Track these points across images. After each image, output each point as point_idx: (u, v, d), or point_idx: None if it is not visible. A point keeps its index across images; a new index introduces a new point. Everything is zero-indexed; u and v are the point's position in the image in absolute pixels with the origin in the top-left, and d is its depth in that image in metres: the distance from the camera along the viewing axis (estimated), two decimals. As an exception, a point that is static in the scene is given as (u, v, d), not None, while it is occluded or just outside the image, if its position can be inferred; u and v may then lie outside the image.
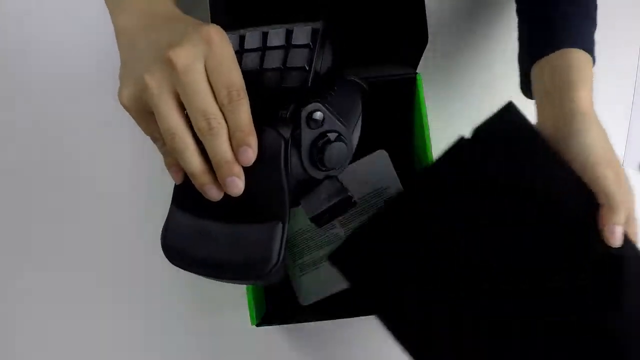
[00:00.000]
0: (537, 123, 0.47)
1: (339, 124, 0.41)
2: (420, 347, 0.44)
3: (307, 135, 0.40)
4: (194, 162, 0.37)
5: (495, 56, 0.69)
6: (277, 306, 0.65)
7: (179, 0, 0.47)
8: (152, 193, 0.69)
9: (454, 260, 0.43)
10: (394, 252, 0.44)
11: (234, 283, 0.42)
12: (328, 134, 0.41)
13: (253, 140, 0.37)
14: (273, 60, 0.42)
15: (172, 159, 0.39)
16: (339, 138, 0.41)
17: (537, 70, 0.49)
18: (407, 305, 0.44)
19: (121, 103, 0.39)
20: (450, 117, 0.68)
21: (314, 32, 0.42)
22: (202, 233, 0.39)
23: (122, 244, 0.69)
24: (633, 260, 0.41)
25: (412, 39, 0.57)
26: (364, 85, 0.48)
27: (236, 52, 0.40)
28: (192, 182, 0.38)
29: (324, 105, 0.40)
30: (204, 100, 0.36)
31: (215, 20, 0.57)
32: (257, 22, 0.61)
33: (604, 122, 0.68)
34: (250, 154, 0.36)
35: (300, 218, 0.60)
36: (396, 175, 0.59)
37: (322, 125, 0.40)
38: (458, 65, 0.68)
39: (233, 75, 0.37)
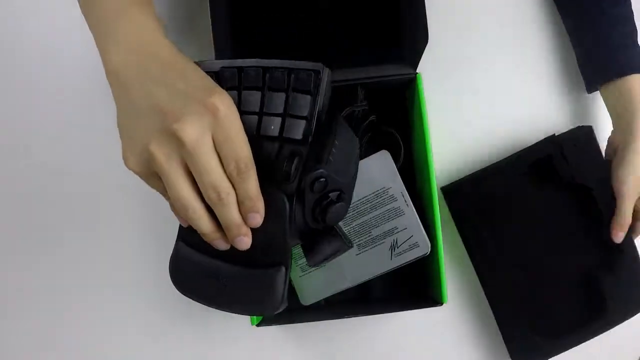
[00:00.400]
0: (610, 137, 0.64)
1: (341, 181, 0.44)
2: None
3: (310, 198, 0.42)
4: (204, 225, 0.39)
5: (495, 56, 0.69)
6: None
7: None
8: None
9: (527, 221, 0.66)
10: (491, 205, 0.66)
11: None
12: (330, 195, 0.43)
13: (261, 206, 0.39)
14: (274, 105, 0.42)
15: (200, 221, 0.40)
16: (339, 197, 0.44)
17: (606, 92, 0.62)
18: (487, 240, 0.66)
19: (127, 167, 0.39)
20: (450, 116, 0.68)
21: (316, 75, 0.42)
22: (211, 271, 0.43)
23: (122, 244, 0.69)
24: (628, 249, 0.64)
25: (413, 38, 0.57)
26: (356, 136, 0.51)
27: (234, 87, 0.42)
28: (202, 237, 0.41)
29: (326, 170, 0.42)
30: (214, 176, 0.37)
31: (216, 28, 0.57)
32: (259, 28, 0.61)
33: (606, 122, 0.68)
34: (258, 219, 0.39)
35: None
36: (398, 174, 0.59)
37: (325, 187, 0.42)
38: (458, 65, 0.68)
39: (241, 148, 0.38)
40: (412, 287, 0.66)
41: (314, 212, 0.43)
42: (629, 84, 0.59)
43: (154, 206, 0.68)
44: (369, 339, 0.68)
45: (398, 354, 0.68)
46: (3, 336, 0.69)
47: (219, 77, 0.42)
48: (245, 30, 0.60)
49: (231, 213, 0.38)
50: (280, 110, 0.42)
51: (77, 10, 0.45)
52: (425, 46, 0.57)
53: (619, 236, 0.61)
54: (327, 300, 0.63)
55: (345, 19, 0.63)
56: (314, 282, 0.62)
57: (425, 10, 0.56)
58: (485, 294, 0.66)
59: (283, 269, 0.42)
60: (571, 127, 0.67)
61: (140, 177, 0.40)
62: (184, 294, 0.45)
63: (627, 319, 0.63)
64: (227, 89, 0.41)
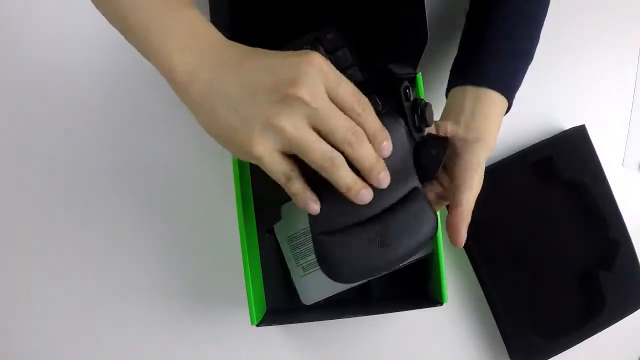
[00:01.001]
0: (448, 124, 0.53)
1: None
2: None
3: (408, 106, 0.44)
4: (349, 175, 0.40)
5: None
6: (277, 306, 0.65)
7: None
8: (152, 190, 0.69)
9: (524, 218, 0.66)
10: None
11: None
12: (417, 100, 0.45)
13: (387, 135, 0.41)
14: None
15: (306, 195, 0.41)
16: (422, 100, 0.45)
17: (456, 92, 0.54)
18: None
19: (256, 154, 0.39)
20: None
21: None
22: (364, 241, 0.42)
23: (121, 243, 0.69)
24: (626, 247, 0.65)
25: (413, 38, 0.57)
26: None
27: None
28: (347, 194, 0.40)
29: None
30: (342, 119, 0.39)
31: (215, 18, 0.57)
32: (259, 28, 0.61)
33: (604, 122, 0.68)
34: (389, 147, 0.41)
35: (303, 218, 0.60)
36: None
37: (411, 95, 0.45)
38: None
39: (353, 90, 0.40)
40: (412, 287, 0.66)
41: (413, 120, 0.44)
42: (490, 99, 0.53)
43: (155, 206, 0.69)
44: (369, 339, 0.68)
45: (398, 354, 0.68)
46: (3, 336, 0.69)
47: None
48: (244, 30, 0.60)
49: (369, 150, 0.40)
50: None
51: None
52: (425, 46, 0.57)
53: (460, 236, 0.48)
54: (327, 300, 0.63)
55: (345, 19, 0.63)
56: (315, 281, 0.62)
57: (425, 10, 0.56)
58: (485, 294, 0.66)
59: (419, 189, 0.43)
60: (565, 127, 0.67)
61: (268, 161, 0.39)
62: (355, 281, 0.46)
63: (626, 317, 0.64)
64: None
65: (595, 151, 0.65)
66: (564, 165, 0.65)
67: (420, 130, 0.45)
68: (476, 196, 0.48)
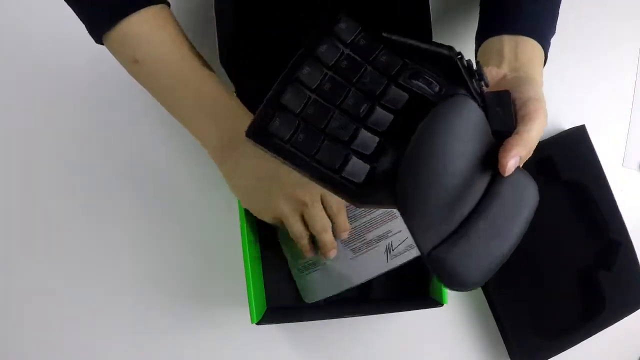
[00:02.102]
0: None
1: None
2: None
3: (466, 74, 0.41)
4: (307, 247, 0.58)
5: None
6: (277, 304, 0.65)
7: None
8: (154, 189, 0.69)
9: None
10: None
11: None
12: (470, 63, 0.41)
13: (347, 228, 0.58)
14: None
15: (306, 247, 0.58)
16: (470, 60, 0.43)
17: (491, 43, 0.53)
18: None
19: (262, 219, 0.57)
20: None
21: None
22: (478, 241, 0.39)
23: (121, 242, 0.69)
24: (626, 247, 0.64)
25: (416, 37, 0.57)
26: None
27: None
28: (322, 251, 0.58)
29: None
30: (323, 222, 0.56)
31: (221, 23, 0.57)
32: (260, 23, 0.61)
33: (604, 122, 0.68)
34: (345, 236, 0.59)
35: None
36: None
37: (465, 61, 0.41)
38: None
39: (339, 206, 0.57)
40: (412, 287, 0.66)
41: (474, 86, 0.41)
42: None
43: (156, 205, 0.69)
44: (369, 339, 0.68)
45: (398, 354, 0.68)
46: (3, 336, 0.69)
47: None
48: (246, 30, 0.60)
49: (330, 238, 0.57)
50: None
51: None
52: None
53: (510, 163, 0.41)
54: (327, 300, 0.63)
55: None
56: (319, 280, 0.62)
57: (429, 11, 0.56)
58: (485, 294, 0.66)
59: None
60: (565, 127, 0.67)
61: (270, 222, 0.57)
62: (480, 285, 0.40)
63: (626, 317, 0.64)
64: None
65: (595, 151, 0.65)
66: (564, 165, 0.65)
67: (481, 94, 0.42)
68: (540, 133, 0.43)
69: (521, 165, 0.42)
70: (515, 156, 0.40)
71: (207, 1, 0.58)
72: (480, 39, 0.54)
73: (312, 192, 0.53)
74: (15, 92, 0.70)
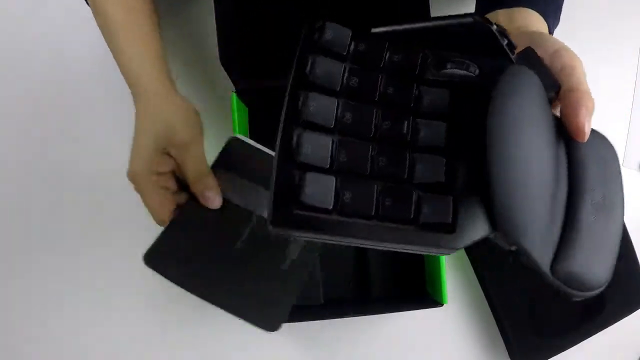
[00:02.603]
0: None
1: None
2: None
3: (506, 45, 0.35)
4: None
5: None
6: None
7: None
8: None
9: None
10: None
11: None
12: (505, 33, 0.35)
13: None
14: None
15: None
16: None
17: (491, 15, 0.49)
18: None
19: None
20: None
21: None
22: (590, 228, 0.33)
23: (123, 242, 0.68)
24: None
25: (415, 20, 0.57)
26: None
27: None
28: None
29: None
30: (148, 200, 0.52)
31: (221, 29, 0.57)
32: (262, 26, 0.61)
33: (604, 122, 0.68)
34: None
35: None
36: None
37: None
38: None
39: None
40: (412, 288, 0.66)
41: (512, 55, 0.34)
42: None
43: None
44: (369, 339, 0.68)
45: (398, 354, 0.68)
46: (4, 337, 0.69)
47: None
48: (245, 8, 0.60)
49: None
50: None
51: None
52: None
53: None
54: (327, 300, 0.63)
55: (349, 19, 0.63)
56: None
57: (429, 10, 0.56)
58: (485, 294, 0.66)
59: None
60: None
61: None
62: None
63: (625, 317, 0.64)
64: None
65: None
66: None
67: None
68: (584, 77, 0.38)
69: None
70: (587, 115, 0.34)
71: (208, 1, 0.58)
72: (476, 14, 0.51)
73: (132, 180, 0.50)
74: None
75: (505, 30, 0.34)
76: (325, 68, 0.32)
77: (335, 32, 0.34)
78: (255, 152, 0.52)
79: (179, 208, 0.51)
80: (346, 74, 0.33)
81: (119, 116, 0.68)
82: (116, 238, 0.68)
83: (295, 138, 0.30)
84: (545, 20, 0.48)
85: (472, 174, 0.30)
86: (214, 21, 0.58)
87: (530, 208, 0.30)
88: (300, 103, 0.31)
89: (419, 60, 0.33)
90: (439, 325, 0.68)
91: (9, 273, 0.69)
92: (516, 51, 0.35)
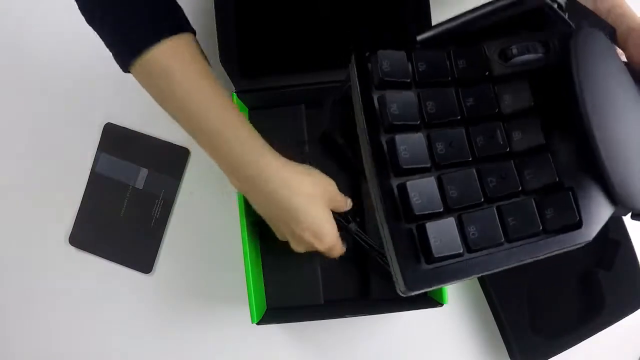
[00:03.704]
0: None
1: None
2: None
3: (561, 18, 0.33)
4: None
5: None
6: (277, 304, 0.65)
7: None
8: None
9: None
10: None
11: None
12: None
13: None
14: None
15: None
16: None
17: None
18: None
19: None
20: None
21: None
22: None
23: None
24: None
25: (416, 36, 0.57)
26: None
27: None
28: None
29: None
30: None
31: (221, 29, 0.57)
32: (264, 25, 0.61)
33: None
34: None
35: None
36: None
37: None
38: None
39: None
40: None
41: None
42: None
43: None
44: (369, 339, 0.68)
45: (398, 354, 0.68)
46: (4, 337, 0.69)
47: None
48: (249, 29, 0.60)
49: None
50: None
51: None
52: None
53: None
54: (326, 299, 0.63)
55: (349, 19, 0.63)
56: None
57: (429, 10, 0.56)
58: (485, 294, 0.66)
59: None
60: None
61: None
62: None
63: (626, 316, 0.64)
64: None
65: None
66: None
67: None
68: None
69: None
70: None
71: (208, 1, 0.58)
72: None
73: (326, 243, 0.54)
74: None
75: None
76: (399, 104, 0.29)
77: (392, 60, 0.31)
78: (127, 134, 0.65)
79: None
80: (422, 102, 0.30)
81: (127, 111, 0.69)
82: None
83: (397, 192, 0.28)
84: None
85: (580, 161, 0.29)
86: (214, 21, 0.58)
87: (638, 172, 0.28)
88: (388, 152, 0.28)
89: (484, 57, 0.31)
90: (439, 325, 0.68)
91: (6, 272, 0.69)
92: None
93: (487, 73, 0.31)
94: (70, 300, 0.68)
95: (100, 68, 0.68)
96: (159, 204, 0.68)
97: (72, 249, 0.69)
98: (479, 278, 0.66)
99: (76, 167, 0.69)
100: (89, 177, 0.68)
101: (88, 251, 0.68)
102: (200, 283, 0.68)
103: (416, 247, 0.27)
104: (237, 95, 0.59)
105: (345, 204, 0.59)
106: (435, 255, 0.27)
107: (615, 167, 0.27)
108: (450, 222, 0.28)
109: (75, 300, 0.68)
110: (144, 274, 0.68)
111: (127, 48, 0.47)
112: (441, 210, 0.28)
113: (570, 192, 0.29)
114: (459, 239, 0.28)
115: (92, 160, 0.68)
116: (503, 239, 0.28)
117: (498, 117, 0.30)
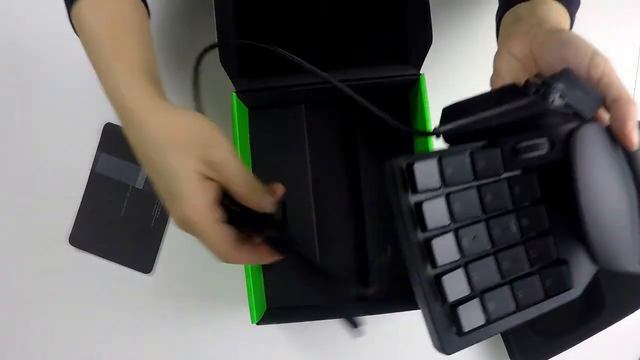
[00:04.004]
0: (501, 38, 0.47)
1: None
2: None
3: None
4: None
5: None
6: (277, 304, 0.65)
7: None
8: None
9: None
10: None
11: None
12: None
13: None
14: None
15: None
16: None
17: (509, 15, 0.48)
18: None
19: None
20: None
21: None
22: None
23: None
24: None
25: (416, 39, 0.57)
26: None
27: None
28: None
29: None
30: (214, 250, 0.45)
31: (221, 29, 0.57)
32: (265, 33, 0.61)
33: (604, 122, 0.68)
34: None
35: None
36: None
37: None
38: (462, 66, 0.68)
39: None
40: (413, 287, 0.66)
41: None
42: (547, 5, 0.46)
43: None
44: (369, 339, 0.68)
45: (398, 354, 0.68)
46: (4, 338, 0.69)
47: None
48: (249, 29, 0.60)
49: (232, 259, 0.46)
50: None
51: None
52: (429, 47, 0.57)
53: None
54: (326, 300, 0.63)
55: (349, 19, 0.63)
56: None
57: (429, 10, 0.56)
58: (485, 294, 0.67)
59: None
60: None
61: None
62: None
63: (626, 316, 0.64)
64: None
65: None
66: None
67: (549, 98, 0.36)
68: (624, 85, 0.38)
69: None
70: (633, 125, 0.36)
71: (208, 1, 0.58)
72: (497, 20, 0.50)
73: (182, 213, 0.42)
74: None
75: (550, 81, 0.36)
76: (434, 208, 0.36)
77: (426, 171, 0.36)
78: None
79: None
80: (451, 202, 0.36)
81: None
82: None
83: (435, 281, 0.36)
84: (567, 8, 0.47)
85: (572, 236, 0.38)
86: (214, 21, 0.58)
87: (618, 240, 0.36)
88: (427, 250, 0.36)
89: (500, 157, 0.37)
90: (439, 325, 0.68)
91: (5, 271, 0.69)
92: (524, 64, 0.42)
93: (502, 172, 0.37)
94: (70, 300, 0.68)
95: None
96: (159, 204, 0.68)
97: (72, 249, 0.69)
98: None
99: (76, 167, 0.69)
100: (89, 177, 0.68)
101: (88, 251, 0.68)
102: (200, 283, 0.68)
103: (451, 325, 0.37)
104: (237, 95, 0.59)
105: (239, 174, 0.43)
106: (465, 330, 0.36)
107: (599, 241, 0.36)
108: (476, 303, 0.36)
109: (75, 300, 0.68)
110: (144, 274, 0.68)
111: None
112: (468, 294, 0.36)
113: (566, 266, 0.38)
114: (482, 313, 0.36)
115: (92, 160, 0.69)
116: (514, 309, 0.37)
117: (512, 210, 0.37)
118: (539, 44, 0.42)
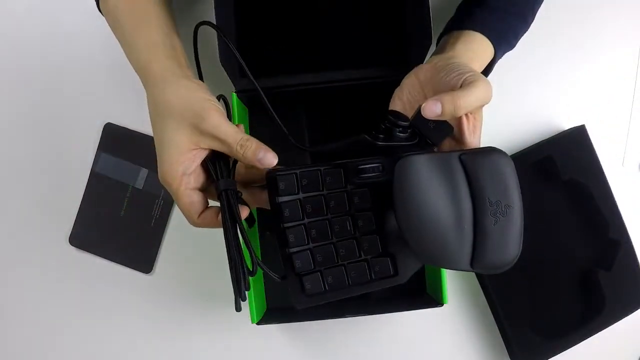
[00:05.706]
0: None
1: None
2: None
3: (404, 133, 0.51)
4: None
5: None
6: (277, 305, 0.65)
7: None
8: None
9: None
10: None
11: None
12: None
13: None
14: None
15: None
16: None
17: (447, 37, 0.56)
18: None
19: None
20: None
21: None
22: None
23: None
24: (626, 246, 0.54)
25: (416, 39, 0.57)
26: None
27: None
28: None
29: None
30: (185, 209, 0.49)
31: (219, 13, 0.57)
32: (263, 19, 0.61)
33: (604, 122, 0.68)
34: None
35: None
36: None
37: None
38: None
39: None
40: (412, 287, 0.66)
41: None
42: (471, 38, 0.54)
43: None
44: (369, 339, 0.68)
45: (398, 354, 0.68)
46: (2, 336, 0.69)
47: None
48: (249, 29, 0.60)
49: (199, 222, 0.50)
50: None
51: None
52: (429, 47, 0.57)
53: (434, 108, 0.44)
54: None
55: (349, 19, 0.63)
56: None
57: (429, 11, 0.56)
58: (485, 294, 0.66)
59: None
60: (565, 127, 0.67)
61: None
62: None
63: (626, 316, 0.64)
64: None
65: (595, 151, 0.65)
66: (564, 165, 0.65)
67: (412, 130, 0.49)
68: (479, 98, 0.45)
69: (447, 118, 0.45)
70: (436, 102, 0.44)
71: (208, 1, 0.58)
72: (436, 41, 0.58)
73: (162, 173, 0.47)
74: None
75: (394, 117, 0.48)
76: (290, 207, 0.50)
77: (287, 181, 0.50)
78: (127, 134, 0.68)
79: None
80: (303, 205, 0.50)
81: (127, 111, 0.69)
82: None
83: (291, 261, 0.50)
84: (495, 46, 0.54)
85: (398, 235, 0.50)
86: (214, 21, 0.58)
87: (443, 244, 0.45)
88: (287, 239, 0.50)
89: (343, 176, 0.50)
90: (439, 325, 0.68)
91: (5, 272, 0.69)
92: (425, 82, 0.51)
93: (344, 185, 0.50)
94: (70, 300, 0.68)
95: (100, 68, 0.69)
96: (159, 204, 0.68)
97: (72, 249, 0.69)
98: (478, 278, 0.66)
99: (76, 167, 0.69)
100: (89, 177, 0.69)
101: (88, 251, 0.68)
102: (200, 283, 0.68)
103: (299, 288, 0.51)
104: (237, 95, 0.59)
105: (231, 140, 0.47)
106: (308, 294, 0.51)
107: (416, 244, 0.46)
108: (317, 276, 0.50)
109: (75, 300, 0.68)
110: (144, 274, 0.68)
111: None
112: (312, 268, 0.50)
113: (388, 258, 0.50)
114: (322, 284, 0.50)
115: (92, 160, 0.69)
116: (348, 284, 0.51)
117: (350, 213, 0.50)
118: (437, 70, 0.49)
